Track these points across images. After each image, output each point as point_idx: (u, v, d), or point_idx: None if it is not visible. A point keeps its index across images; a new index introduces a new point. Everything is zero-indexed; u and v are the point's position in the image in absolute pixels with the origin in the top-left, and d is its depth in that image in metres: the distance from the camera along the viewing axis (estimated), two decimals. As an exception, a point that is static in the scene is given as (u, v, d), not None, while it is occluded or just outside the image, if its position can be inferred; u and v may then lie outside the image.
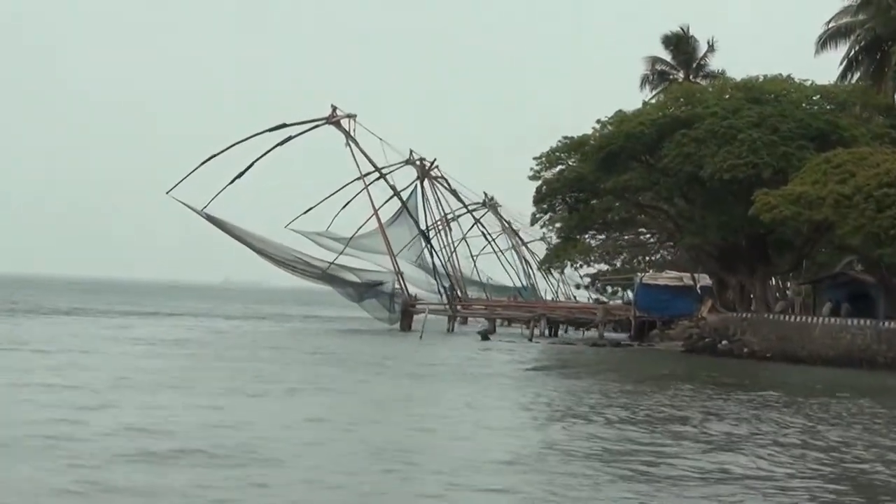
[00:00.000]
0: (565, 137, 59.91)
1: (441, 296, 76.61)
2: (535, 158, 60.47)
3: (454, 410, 26.22)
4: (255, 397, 27.43)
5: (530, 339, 63.18)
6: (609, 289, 79.21)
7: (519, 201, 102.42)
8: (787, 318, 53.63)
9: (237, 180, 66.09)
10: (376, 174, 71.31)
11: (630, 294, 77.11)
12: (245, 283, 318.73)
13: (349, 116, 67.94)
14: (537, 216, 60.54)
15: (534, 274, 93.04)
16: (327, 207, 75.95)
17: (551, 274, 78.88)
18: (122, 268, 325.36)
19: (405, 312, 67.64)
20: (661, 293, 63.75)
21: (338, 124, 68.00)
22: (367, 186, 70.38)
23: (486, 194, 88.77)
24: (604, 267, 73.35)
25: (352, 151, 68.57)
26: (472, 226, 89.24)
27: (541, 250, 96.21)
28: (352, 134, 68.00)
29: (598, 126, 58.98)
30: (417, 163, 77.87)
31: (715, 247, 56.12)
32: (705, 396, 31.70)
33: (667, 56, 76.94)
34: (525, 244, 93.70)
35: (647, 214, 60.38)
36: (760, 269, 56.30)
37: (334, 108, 67.85)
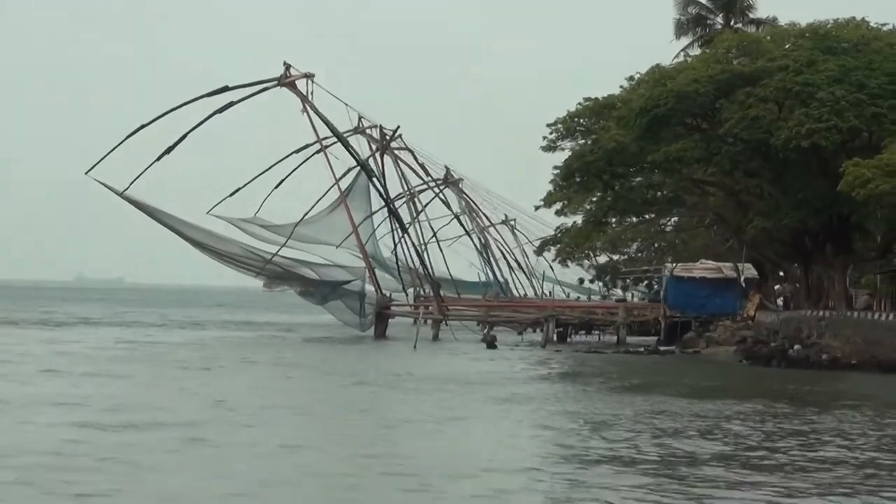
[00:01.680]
0: (587, 99, 56.23)
1: (405, 294, 72.77)
2: (548, 125, 56.68)
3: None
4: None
5: (543, 346, 59.32)
6: (620, 284, 75.16)
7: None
8: (875, 316, 50.62)
9: (165, 156, 61.09)
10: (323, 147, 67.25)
11: (636, 292, 74.20)
12: (102, 281, 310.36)
13: (306, 76, 63.12)
14: (555, 196, 56.55)
15: (509, 266, 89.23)
16: (260, 188, 71.49)
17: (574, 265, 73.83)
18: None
19: (380, 316, 63.33)
20: (697, 288, 59.99)
21: (292, 86, 63.28)
22: (324, 149, 65.78)
23: (447, 169, 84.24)
24: (613, 258, 69.83)
25: (309, 118, 63.84)
26: (428, 204, 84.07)
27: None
28: (309, 98, 63.45)
29: (627, 85, 55.50)
30: (369, 131, 73.43)
31: (788, 231, 52.80)
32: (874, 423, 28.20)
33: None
34: (493, 225, 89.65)
35: (703, 193, 56.85)
36: (841, 257, 53.15)
37: (288, 67, 62.99)
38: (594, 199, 57.31)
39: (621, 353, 56.34)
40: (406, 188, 76.19)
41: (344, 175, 69.15)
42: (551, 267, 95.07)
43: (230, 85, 61.03)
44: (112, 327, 72.42)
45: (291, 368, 42.66)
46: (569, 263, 69.55)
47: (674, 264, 61.20)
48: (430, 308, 63.72)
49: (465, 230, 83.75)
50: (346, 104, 65.02)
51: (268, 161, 68.81)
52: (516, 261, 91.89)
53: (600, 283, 77.30)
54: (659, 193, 57.32)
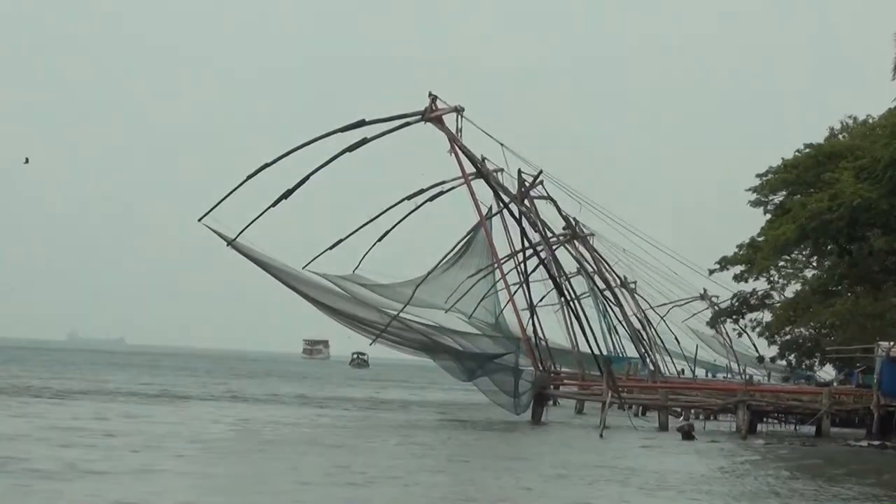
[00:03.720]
0: (807, 145, 54.87)
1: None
2: (758, 176, 55.25)
3: None
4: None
5: (744, 437, 57.48)
6: (805, 364, 72.90)
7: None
8: None
9: (284, 200, 59.79)
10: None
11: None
12: (96, 341, 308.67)
13: (456, 111, 61.76)
14: (765, 261, 54.88)
15: (647, 337, 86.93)
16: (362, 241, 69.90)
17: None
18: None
19: (539, 397, 61.48)
20: (919, 371, 58.56)
21: (439, 121, 61.91)
22: (467, 181, 64.47)
23: (575, 220, 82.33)
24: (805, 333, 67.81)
25: (457, 157, 62.60)
26: (536, 266, 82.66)
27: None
28: (458, 136, 62.05)
29: (849, 127, 54.19)
30: (495, 173, 72.16)
31: None
32: None
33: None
34: (616, 287, 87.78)
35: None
36: None
37: (434, 99, 61.58)
38: (816, 264, 55.72)
39: (841, 446, 54.74)
40: (546, 241, 74.52)
41: (491, 215, 68.78)
42: (677, 340, 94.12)
43: (367, 119, 59.93)
44: (215, 402, 69.35)
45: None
46: (777, 339, 67.67)
47: (891, 343, 59.41)
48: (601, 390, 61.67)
49: (597, 289, 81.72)
50: (501, 144, 63.55)
51: (373, 209, 67.55)
52: (653, 331, 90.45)
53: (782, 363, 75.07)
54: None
